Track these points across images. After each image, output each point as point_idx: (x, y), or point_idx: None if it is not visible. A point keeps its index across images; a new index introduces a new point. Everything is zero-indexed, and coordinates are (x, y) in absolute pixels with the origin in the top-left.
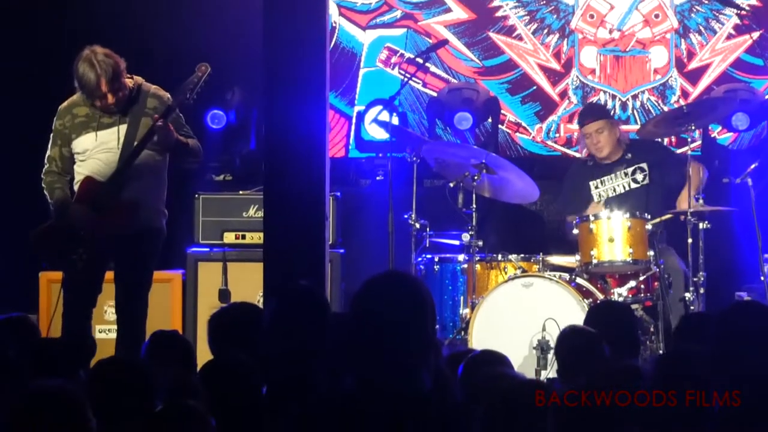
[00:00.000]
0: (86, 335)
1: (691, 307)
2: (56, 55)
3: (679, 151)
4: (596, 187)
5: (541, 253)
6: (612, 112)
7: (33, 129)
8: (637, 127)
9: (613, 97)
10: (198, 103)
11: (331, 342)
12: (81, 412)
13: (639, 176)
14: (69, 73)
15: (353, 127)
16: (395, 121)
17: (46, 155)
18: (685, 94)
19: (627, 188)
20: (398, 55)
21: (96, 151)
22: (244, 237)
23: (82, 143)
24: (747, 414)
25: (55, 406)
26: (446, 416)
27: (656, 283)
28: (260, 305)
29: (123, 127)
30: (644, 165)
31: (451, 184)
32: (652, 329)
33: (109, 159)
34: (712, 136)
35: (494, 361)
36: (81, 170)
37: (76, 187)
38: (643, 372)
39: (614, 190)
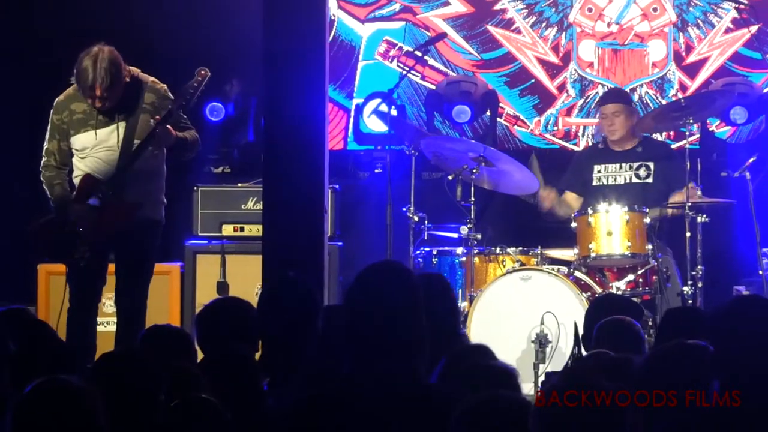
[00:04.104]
0: (91, 331)
1: (689, 302)
2: (55, 48)
3: (677, 144)
4: (599, 171)
5: (539, 247)
6: (634, 103)
7: (31, 119)
8: None
9: None
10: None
11: (324, 331)
12: (92, 406)
13: (642, 173)
14: (68, 67)
15: (352, 120)
16: (394, 113)
17: (44, 148)
18: (683, 87)
19: (627, 181)
20: (397, 48)
21: (96, 149)
22: (242, 229)
23: (81, 141)
24: (747, 413)
25: (65, 401)
26: (441, 405)
27: (654, 277)
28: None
29: (122, 125)
30: (651, 164)
31: (450, 177)
32: (650, 323)
33: (109, 157)
34: (711, 129)
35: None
36: (81, 165)
37: (76, 181)
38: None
39: (615, 179)
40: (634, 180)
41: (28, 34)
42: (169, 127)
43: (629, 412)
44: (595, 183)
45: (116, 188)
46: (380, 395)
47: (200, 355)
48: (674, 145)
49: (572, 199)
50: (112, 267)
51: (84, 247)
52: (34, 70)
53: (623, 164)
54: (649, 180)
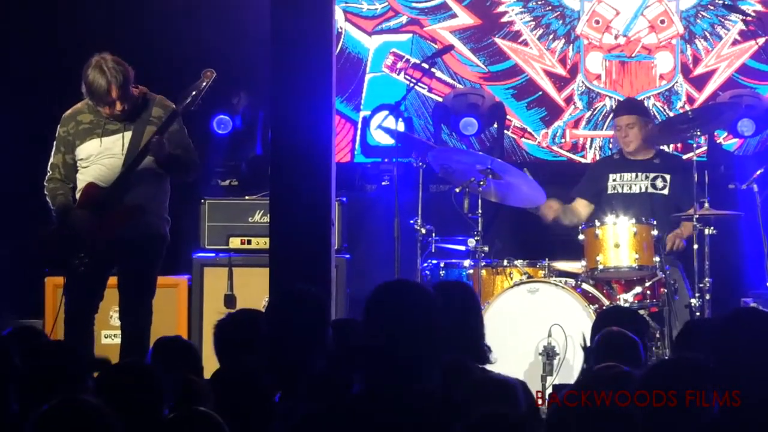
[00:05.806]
0: (88, 340)
1: (697, 314)
2: (62, 60)
3: (685, 157)
4: (614, 180)
5: (546, 259)
6: (650, 113)
7: (38, 132)
8: None
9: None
10: (204, 108)
11: (335, 344)
12: (109, 426)
13: (659, 184)
14: (75, 77)
15: (359, 133)
16: (401, 126)
17: (49, 162)
18: (690, 99)
19: (641, 191)
20: (404, 60)
21: (100, 156)
22: (249, 242)
23: (87, 149)
24: (747, 414)
25: (83, 420)
26: (451, 416)
27: (662, 289)
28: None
29: (127, 135)
30: (668, 176)
31: (457, 190)
32: (657, 335)
33: (113, 165)
34: (718, 142)
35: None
36: (83, 177)
37: (78, 195)
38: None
39: (629, 188)
40: (650, 190)
41: (32, 46)
42: (163, 140)
43: (630, 412)
44: (609, 191)
45: (117, 193)
46: (392, 412)
47: (215, 366)
48: (682, 157)
49: (582, 206)
50: (115, 280)
51: (84, 252)
52: (39, 84)
53: (639, 174)
54: (665, 192)
